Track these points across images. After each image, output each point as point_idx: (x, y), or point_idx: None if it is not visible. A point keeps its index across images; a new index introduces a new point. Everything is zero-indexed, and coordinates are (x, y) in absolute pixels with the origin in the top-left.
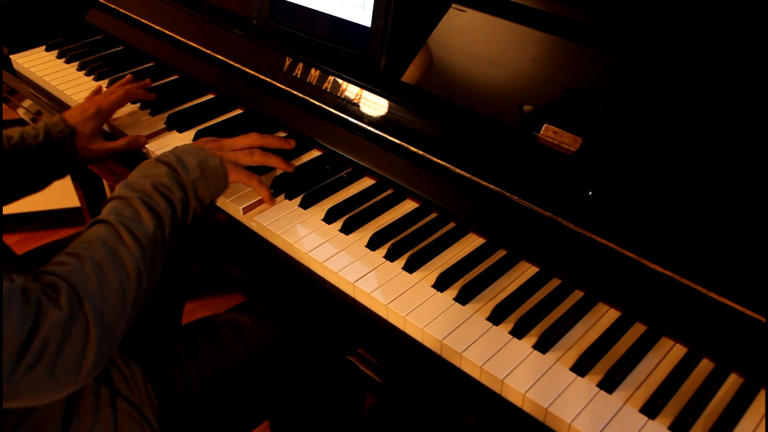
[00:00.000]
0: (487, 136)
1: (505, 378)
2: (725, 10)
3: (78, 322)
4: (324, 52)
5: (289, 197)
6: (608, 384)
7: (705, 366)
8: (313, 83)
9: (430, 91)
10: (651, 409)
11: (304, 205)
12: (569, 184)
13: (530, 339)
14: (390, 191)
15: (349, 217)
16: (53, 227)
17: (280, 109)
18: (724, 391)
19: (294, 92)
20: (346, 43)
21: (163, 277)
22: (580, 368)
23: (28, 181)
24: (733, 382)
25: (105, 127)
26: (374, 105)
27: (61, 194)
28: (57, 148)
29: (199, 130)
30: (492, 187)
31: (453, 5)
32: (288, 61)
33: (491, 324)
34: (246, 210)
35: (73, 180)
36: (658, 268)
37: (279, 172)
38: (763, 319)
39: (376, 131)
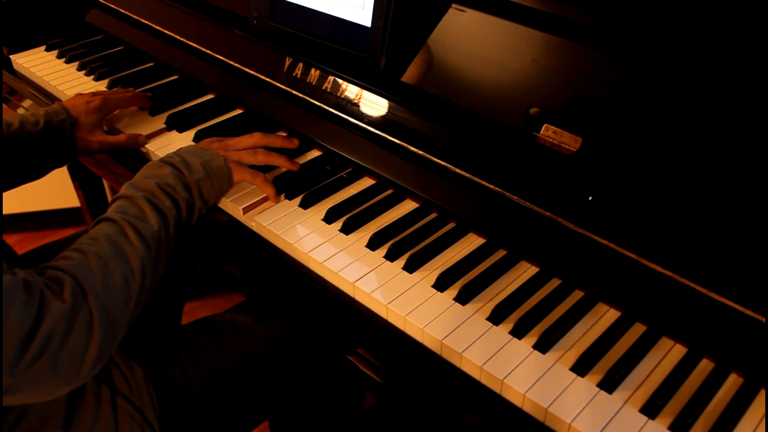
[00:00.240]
0: (487, 136)
1: (505, 378)
2: (726, 10)
3: (82, 315)
4: (324, 52)
5: (289, 197)
6: (608, 384)
7: (705, 366)
8: (313, 83)
9: (430, 91)
10: (651, 409)
11: (304, 205)
12: (569, 184)
13: (530, 339)
14: (390, 191)
15: (349, 217)
16: (53, 227)
17: (280, 109)
18: (724, 391)
19: (294, 92)
20: (346, 43)
21: (163, 277)
22: (580, 368)
23: (26, 169)
24: (733, 382)
25: (104, 126)
26: (374, 105)
27: (61, 194)
28: (56, 137)
29: (199, 130)
30: (492, 187)
31: (453, 5)
32: (288, 61)
33: (491, 324)
34: (246, 210)
35: (73, 180)
36: (658, 268)
37: (279, 172)
38: (763, 319)
39: (376, 131)
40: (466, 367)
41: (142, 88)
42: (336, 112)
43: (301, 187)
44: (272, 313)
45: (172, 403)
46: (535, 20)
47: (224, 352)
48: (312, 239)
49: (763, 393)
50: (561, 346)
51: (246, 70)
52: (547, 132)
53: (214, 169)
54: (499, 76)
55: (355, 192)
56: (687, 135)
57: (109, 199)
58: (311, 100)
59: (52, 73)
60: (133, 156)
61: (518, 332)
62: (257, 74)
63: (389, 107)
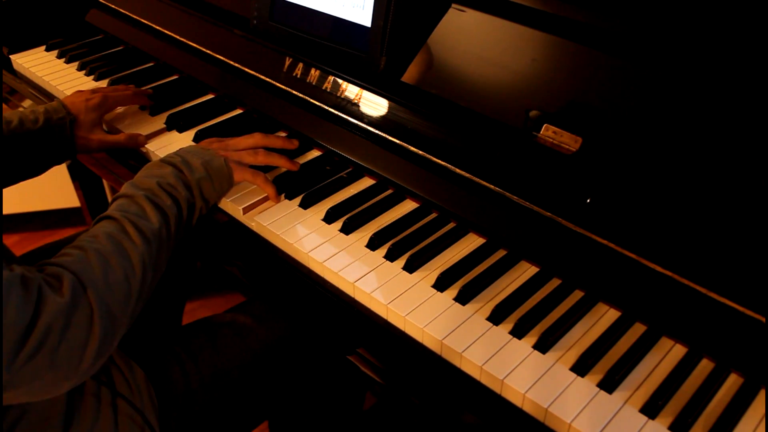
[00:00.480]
0: (487, 136)
1: (505, 378)
2: (726, 11)
3: (81, 310)
4: (324, 52)
5: (289, 197)
6: (608, 384)
7: (705, 366)
8: (313, 83)
9: (430, 91)
10: (651, 409)
11: (304, 205)
12: (569, 184)
13: (530, 339)
14: (390, 191)
15: (349, 217)
16: (53, 227)
17: (280, 109)
18: (724, 391)
19: (294, 92)
20: (346, 43)
21: (163, 277)
22: (580, 368)
23: (25, 166)
24: (733, 382)
25: (104, 126)
26: (374, 105)
27: (61, 194)
28: (56, 135)
29: (199, 130)
30: (492, 187)
31: (453, 5)
32: (288, 61)
33: (491, 324)
34: (246, 210)
35: (73, 180)
36: (658, 268)
37: (279, 172)
38: (763, 319)
39: (376, 131)
40: (466, 367)
41: (143, 88)
42: (336, 112)
43: (301, 187)
44: (272, 313)
45: (172, 404)
46: (535, 20)
47: (224, 353)
48: (312, 239)
49: (763, 393)
50: (561, 346)
51: (246, 70)
52: (547, 132)
53: (214, 168)
54: (499, 76)
55: (355, 192)
56: (687, 135)
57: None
58: (311, 100)
59: (52, 73)
60: (133, 156)
61: (518, 332)
62: (257, 74)
63: (389, 107)
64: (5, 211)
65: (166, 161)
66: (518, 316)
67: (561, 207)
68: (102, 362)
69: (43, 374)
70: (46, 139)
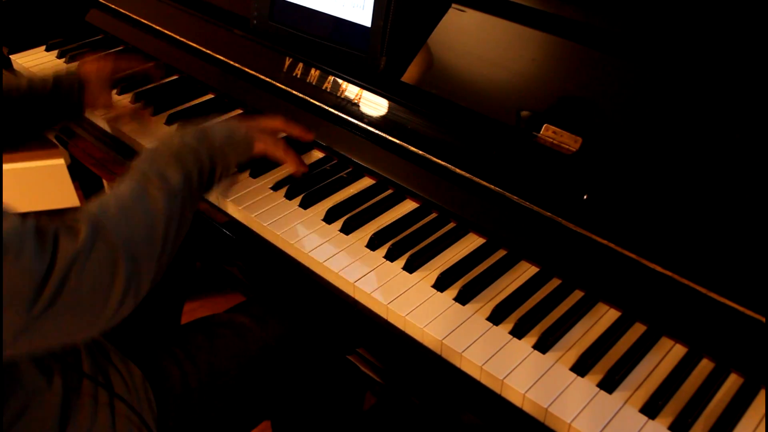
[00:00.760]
0: (487, 136)
1: (505, 378)
2: (725, 11)
3: (100, 251)
4: (324, 52)
5: (289, 197)
6: (608, 384)
7: (705, 366)
8: (313, 83)
9: (430, 91)
10: (651, 409)
11: (304, 205)
12: (569, 184)
13: (530, 339)
14: (390, 191)
15: (349, 217)
16: None
17: (280, 109)
18: (724, 391)
19: (294, 92)
20: (346, 43)
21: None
22: (580, 368)
23: (32, 126)
24: (733, 382)
25: (107, 128)
26: (374, 105)
27: (61, 194)
28: (64, 97)
29: None
30: (492, 187)
31: (453, 5)
32: (288, 61)
33: (491, 324)
34: (246, 210)
35: (73, 180)
36: (658, 268)
37: (278, 173)
38: (763, 319)
39: (376, 131)
40: (466, 367)
41: (142, 89)
42: (336, 112)
43: (301, 187)
44: (272, 313)
45: (170, 404)
46: (535, 20)
47: (223, 353)
48: (312, 239)
49: (763, 393)
50: (561, 346)
51: (246, 70)
52: (547, 132)
53: (237, 135)
54: (499, 76)
55: (355, 192)
56: (687, 135)
57: None
58: (311, 100)
59: None
60: (134, 156)
61: (518, 332)
62: (257, 74)
63: (389, 107)
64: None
65: (190, 125)
66: (518, 316)
67: (561, 207)
68: (128, 309)
69: (67, 316)
70: (55, 100)
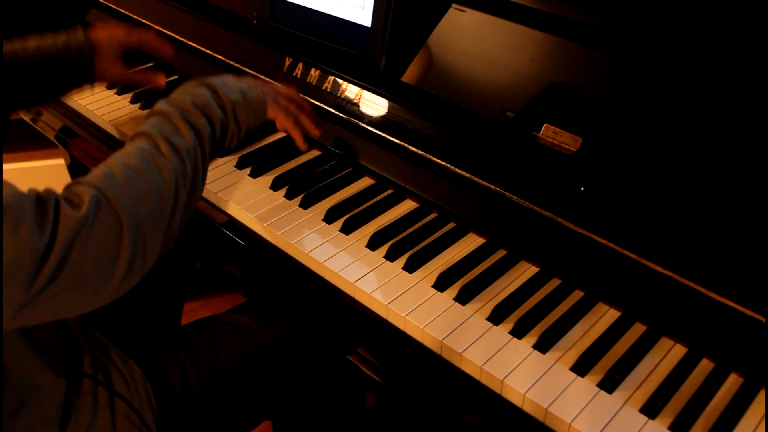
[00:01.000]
0: (487, 136)
1: (505, 378)
2: (725, 10)
3: (104, 221)
4: (324, 52)
5: (289, 197)
6: (608, 384)
7: (705, 366)
8: (313, 83)
9: (430, 91)
10: (651, 409)
11: (304, 205)
12: (569, 184)
13: (530, 339)
14: (390, 191)
15: (349, 217)
16: None
17: None
18: (724, 391)
19: None
20: (346, 43)
21: (163, 277)
22: (580, 368)
23: (43, 90)
24: (733, 382)
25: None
26: (374, 105)
27: None
28: (74, 62)
29: None
30: (492, 187)
31: (453, 5)
32: (288, 61)
33: (491, 324)
34: (246, 210)
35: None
36: (658, 268)
37: (280, 171)
38: (763, 319)
39: (376, 131)
40: (466, 367)
41: (142, 89)
42: (336, 112)
43: (301, 187)
44: (272, 313)
45: (170, 404)
46: (535, 20)
47: (224, 353)
48: (312, 239)
49: (763, 393)
50: (561, 346)
51: (246, 70)
52: (547, 132)
53: (251, 96)
54: (499, 76)
55: (355, 192)
56: (687, 135)
57: None
58: (311, 100)
59: None
60: None
61: (518, 332)
62: (257, 74)
63: (389, 107)
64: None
65: (203, 82)
66: (518, 316)
67: (561, 207)
68: (133, 281)
69: (71, 290)
70: (65, 65)
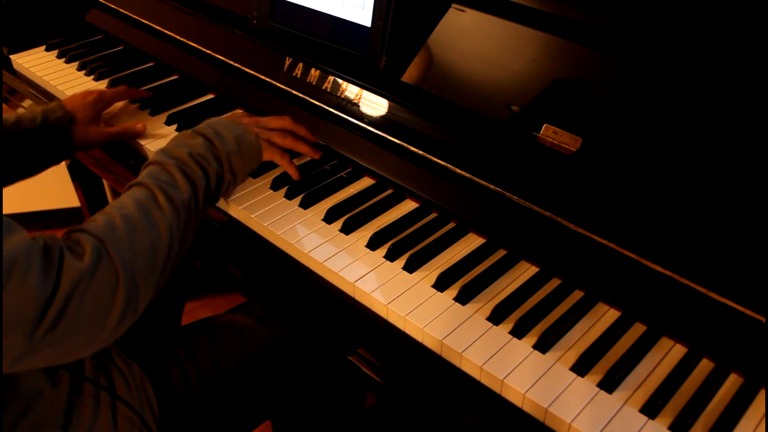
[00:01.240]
0: (487, 136)
1: (505, 378)
2: (725, 10)
3: (104, 275)
4: (324, 52)
5: (289, 197)
6: (608, 384)
7: (705, 366)
8: (313, 83)
9: (430, 91)
10: (651, 409)
11: (304, 205)
12: (569, 184)
13: (530, 339)
14: (390, 191)
15: (349, 217)
16: (53, 227)
17: (280, 108)
18: (724, 391)
19: (294, 92)
20: (346, 43)
21: None
22: (580, 368)
23: (23, 166)
24: (733, 382)
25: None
26: (374, 105)
27: (61, 194)
28: (54, 133)
29: None
30: (492, 187)
31: (453, 5)
32: (288, 61)
33: (491, 324)
34: (246, 210)
35: (73, 180)
36: (658, 268)
37: (280, 171)
38: (763, 319)
39: (376, 131)
40: (466, 367)
41: (142, 88)
42: (336, 112)
43: (301, 186)
44: (272, 313)
45: (171, 404)
46: (535, 20)
47: (224, 353)
48: (312, 239)
49: (763, 393)
50: (561, 346)
51: (246, 70)
52: (547, 132)
53: (246, 144)
54: (499, 76)
55: (355, 192)
56: (687, 135)
57: (110, 199)
58: (311, 100)
59: (52, 73)
60: (133, 156)
61: (518, 332)
62: (257, 74)
63: (389, 107)
64: (5, 212)
65: (198, 132)
66: (518, 316)
67: (561, 207)
68: (124, 329)
69: (65, 339)
70: (44, 138)
